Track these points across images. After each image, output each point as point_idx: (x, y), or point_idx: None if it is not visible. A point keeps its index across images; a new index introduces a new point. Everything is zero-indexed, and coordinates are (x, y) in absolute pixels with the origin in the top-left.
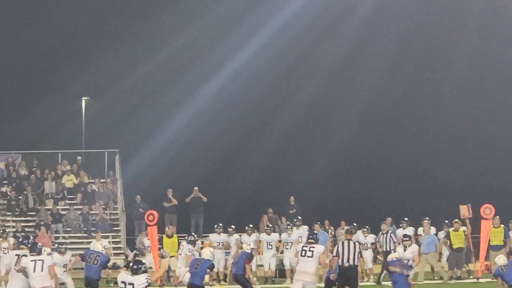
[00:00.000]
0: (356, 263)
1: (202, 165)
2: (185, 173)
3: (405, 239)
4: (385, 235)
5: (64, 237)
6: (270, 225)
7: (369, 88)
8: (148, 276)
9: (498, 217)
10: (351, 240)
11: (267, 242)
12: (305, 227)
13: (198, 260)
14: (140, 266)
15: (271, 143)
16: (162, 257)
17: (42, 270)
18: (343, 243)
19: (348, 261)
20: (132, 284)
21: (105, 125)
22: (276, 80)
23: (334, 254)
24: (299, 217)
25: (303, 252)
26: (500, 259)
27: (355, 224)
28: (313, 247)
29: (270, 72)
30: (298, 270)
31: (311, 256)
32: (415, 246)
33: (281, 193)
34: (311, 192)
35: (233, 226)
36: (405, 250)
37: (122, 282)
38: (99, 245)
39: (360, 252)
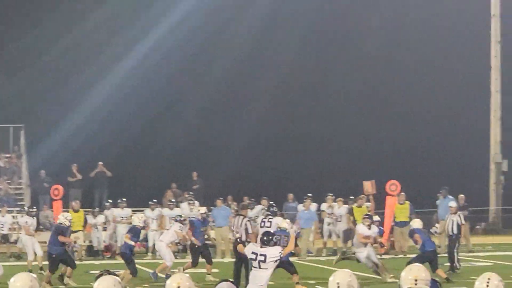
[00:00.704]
0: (246, 239)
1: (108, 141)
2: (90, 149)
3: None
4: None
5: None
6: (173, 200)
7: (282, 65)
8: (281, 249)
9: (403, 193)
10: (244, 216)
11: (169, 217)
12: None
13: None
14: (271, 237)
15: (177, 121)
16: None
17: None
18: (236, 217)
19: (240, 235)
20: (264, 255)
21: (10, 99)
22: (188, 59)
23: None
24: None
25: None
26: (416, 223)
27: (252, 199)
28: None
29: (181, 52)
30: None
31: None
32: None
33: (185, 169)
34: (216, 169)
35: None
36: None
37: (253, 253)
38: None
39: (247, 229)
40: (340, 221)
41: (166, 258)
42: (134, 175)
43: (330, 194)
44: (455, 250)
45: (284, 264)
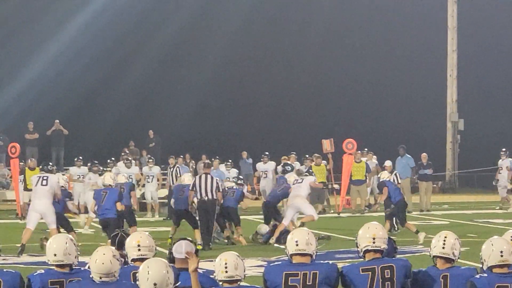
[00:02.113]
0: (214, 197)
1: (65, 99)
2: (48, 107)
3: None
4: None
5: None
6: (130, 158)
7: (231, 25)
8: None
9: (359, 152)
10: (209, 174)
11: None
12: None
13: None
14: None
15: (134, 78)
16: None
17: None
18: (200, 177)
19: (206, 194)
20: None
21: None
22: (139, 16)
23: (191, 188)
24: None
25: None
26: (384, 174)
27: (217, 157)
28: None
29: (134, 7)
30: None
31: None
32: None
33: (143, 127)
34: (173, 127)
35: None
36: None
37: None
38: None
39: (218, 187)
40: None
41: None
42: (90, 133)
43: (293, 152)
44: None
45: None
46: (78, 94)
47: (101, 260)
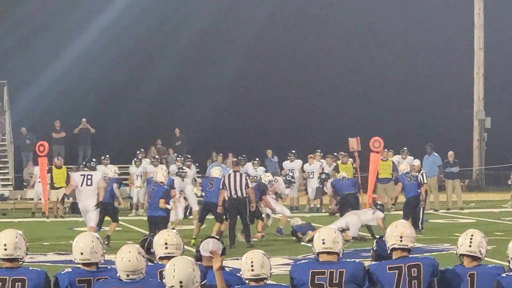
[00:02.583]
0: (244, 195)
1: (91, 97)
2: (74, 105)
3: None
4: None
5: None
6: (157, 157)
7: (256, 22)
8: None
9: (386, 150)
10: (238, 171)
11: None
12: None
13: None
14: None
15: (159, 76)
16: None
17: None
18: (229, 175)
19: (236, 193)
20: None
21: None
22: (165, 14)
23: (221, 186)
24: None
25: None
26: (402, 166)
27: (244, 155)
28: None
29: (159, 6)
30: None
31: None
32: None
33: (168, 126)
34: (199, 125)
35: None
36: None
37: None
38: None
39: (247, 184)
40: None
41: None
42: (116, 131)
43: (318, 151)
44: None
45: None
46: (102, 93)
47: (127, 257)
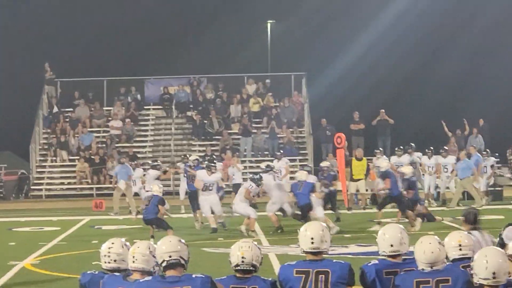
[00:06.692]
0: None
1: (385, 87)
2: (369, 95)
3: None
4: None
5: (250, 161)
6: (446, 148)
7: None
8: None
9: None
10: None
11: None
12: None
13: None
14: None
15: (452, 64)
16: None
17: None
18: None
19: None
20: None
21: (290, 48)
22: (454, 7)
23: None
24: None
25: None
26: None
27: None
28: None
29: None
30: None
31: None
32: None
33: (460, 115)
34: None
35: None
36: None
37: None
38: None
39: None
40: None
41: None
42: (411, 121)
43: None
44: None
45: None
46: (395, 83)
47: (429, 249)
